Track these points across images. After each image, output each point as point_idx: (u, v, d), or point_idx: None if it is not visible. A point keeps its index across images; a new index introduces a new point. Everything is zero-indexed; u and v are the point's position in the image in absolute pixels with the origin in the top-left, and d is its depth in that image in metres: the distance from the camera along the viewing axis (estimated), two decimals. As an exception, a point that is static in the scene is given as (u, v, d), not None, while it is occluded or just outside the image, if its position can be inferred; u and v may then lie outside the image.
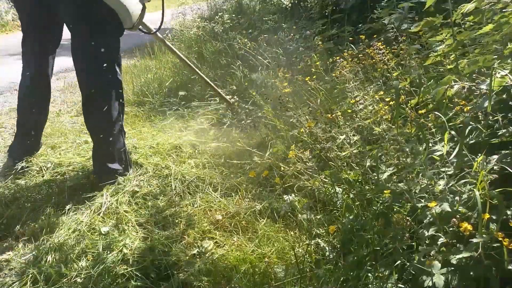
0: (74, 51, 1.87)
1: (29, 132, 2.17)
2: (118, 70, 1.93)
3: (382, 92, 1.98)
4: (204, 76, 2.71)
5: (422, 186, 1.26)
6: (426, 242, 1.15)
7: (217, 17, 4.70)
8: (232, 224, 1.72)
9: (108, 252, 1.53)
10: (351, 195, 1.60)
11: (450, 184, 1.20)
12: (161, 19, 2.28)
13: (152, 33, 2.29)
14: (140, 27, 2.13)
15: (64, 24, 1.99)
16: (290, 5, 4.19)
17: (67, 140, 2.49)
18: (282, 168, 1.89)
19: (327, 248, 1.49)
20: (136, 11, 1.94)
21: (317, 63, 2.67)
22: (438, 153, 1.34)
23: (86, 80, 1.89)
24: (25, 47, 2.09)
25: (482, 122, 1.33)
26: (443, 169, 1.29)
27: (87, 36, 1.83)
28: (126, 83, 3.82)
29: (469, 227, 1.00)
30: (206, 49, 4.03)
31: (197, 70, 2.70)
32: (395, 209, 1.37)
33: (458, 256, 1.03)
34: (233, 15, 4.74)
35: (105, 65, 1.85)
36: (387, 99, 1.85)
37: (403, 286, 1.15)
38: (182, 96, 3.31)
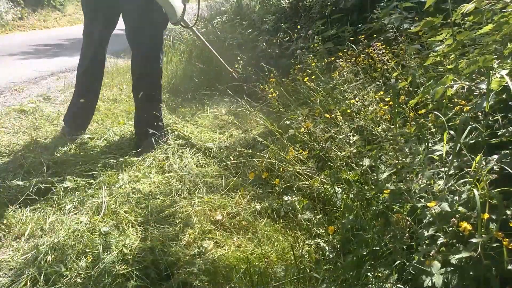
0: (131, 39, 2.39)
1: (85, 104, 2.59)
2: (161, 56, 2.48)
3: (381, 92, 1.98)
4: (218, 56, 3.36)
5: (422, 186, 1.26)
6: (426, 242, 1.15)
7: (217, 18, 4.71)
8: (232, 224, 1.73)
9: (108, 252, 1.53)
10: (351, 195, 1.60)
11: (450, 184, 1.20)
12: (196, 16, 2.88)
13: (189, 27, 2.83)
14: (182, 23, 2.62)
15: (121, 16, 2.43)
16: (289, 5, 4.19)
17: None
18: (281, 169, 1.89)
19: (327, 248, 1.49)
20: (179, 9, 2.43)
21: (313, 64, 2.67)
22: (437, 153, 1.34)
23: (140, 62, 2.43)
24: (87, 35, 2.49)
25: (482, 122, 1.33)
26: (442, 169, 1.29)
27: (142, 27, 2.34)
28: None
29: (469, 226, 1.00)
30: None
31: (216, 54, 3.33)
32: (394, 209, 1.37)
33: (457, 256, 1.03)
34: (233, 16, 4.75)
35: (153, 51, 2.40)
36: (387, 99, 1.85)
37: (402, 286, 1.15)
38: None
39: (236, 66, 3.50)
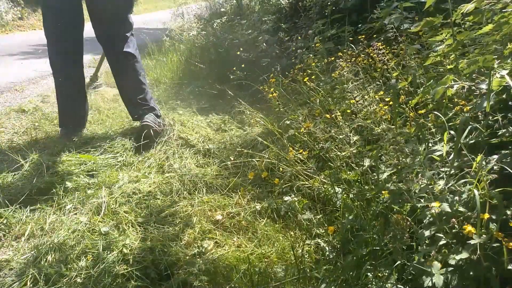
0: (96, 26, 2.45)
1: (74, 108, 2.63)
2: (131, 39, 2.56)
3: (381, 92, 1.98)
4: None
5: (422, 186, 1.26)
6: (426, 242, 1.15)
7: (217, 21, 4.72)
8: (232, 224, 1.73)
9: (108, 252, 1.53)
10: (351, 195, 1.60)
11: (450, 184, 1.20)
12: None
13: None
14: None
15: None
16: (288, 5, 4.20)
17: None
18: (281, 169, 1.89)
19: (327, 248, 1.49)
20: None
21: (313, 64, 2.67)
22: (437, 153, 1.34)
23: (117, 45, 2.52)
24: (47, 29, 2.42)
25: (482, 122, 1.33)
26: (442, 169, 1.29)
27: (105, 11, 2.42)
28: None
29: (473, 230, 0.99)
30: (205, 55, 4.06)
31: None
32: (394, 209, 1.37)
33: (457, 256, 1.03)
34: (232, 16, 4.75)
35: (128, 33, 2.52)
36: (387, 99, 1.85)
37: (402, 286, 1.15)
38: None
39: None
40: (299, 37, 3.45)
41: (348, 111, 2.05)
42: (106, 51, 2.62)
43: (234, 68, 3.46)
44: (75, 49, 2.46)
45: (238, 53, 3.66)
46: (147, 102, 2.66)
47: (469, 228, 0.99)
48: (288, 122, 2.28)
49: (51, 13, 2.36)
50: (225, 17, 4.86)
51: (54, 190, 1.95)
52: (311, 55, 2.87)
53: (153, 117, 2.59)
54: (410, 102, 1.77)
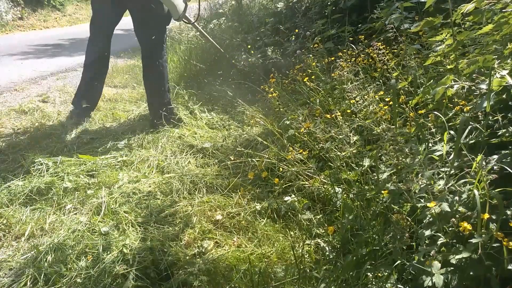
0: (138, 33, 2.75)
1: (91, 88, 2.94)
2: (165, 47, 2.83)
3: (381, 92, 1.98)
4: (221, 48, 3.69)
5: (422, 186, 1.26)
6: (426, 242, 1.15)
7: (215, 21, 4.72)
8: (232, 224, 1.72)
9: (108, 252, 1.53)
10: (351, 195, 1.60)
11: (450, 184, 1.20)
12: (197, 13, 3.28)
13: (191, 23, 3.19)
14: (184, 19, 2.95)
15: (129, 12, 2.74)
16: (284, 7, 4.20)
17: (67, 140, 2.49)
18: (281, 169, 1.89)
19: (327, 248, 1.49)
20: (181, 6, 2.77)
21: (313, 64, 2.67)
22: (437, 153, 1.34)
23: (145, 53, 2.81)
24: (93, 29, 2.80)
25: (482, 122, 1.33)
26: (442, 169, 1.29)
27: (147, 23, 2.70)
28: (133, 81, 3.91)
29: (469, 226, 1.00)
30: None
31: (218, 46, 3.64)
32: (394, 209, 1.37)
33: (457, 256, 1.03)
34: (230, 17, 4.75)
35: (158, 43, 2.76)
36: (387, 99, 1.85)
37: (402, 286, 1.15)
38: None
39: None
40: (299, 37, 3.45)
41: (348, 111, 2.05)
42: (144, 56, 2.86)
43: (234, 69, 3.46)
44: (104, 44, 2.83)
45: (238, 53, 3.66)
46: (166, 106, 2.86)
47: (464, 224, 0.99)
48: (288, 122, 2.28)
49: (99, 14, 2.77)
50: (223, 17, 4.85)
51: (54, 190, 1.95)
52: (311, 55, 2.88)
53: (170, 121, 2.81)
54: (410, 102, 1.77)
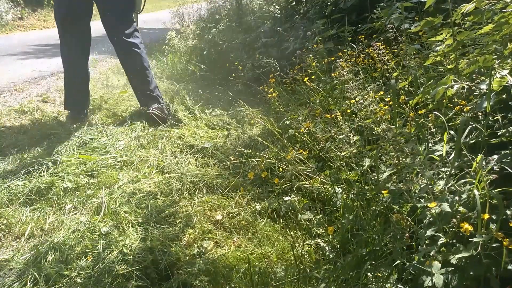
0: (104, 20, 2.73)
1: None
2: (135, 26, 2.84)
3: (381, 92, 1.98)
4: None
5: (422, 186, 1.26)
6: (426, 242, 1.15)
7: (212, 24, 4.72)
8: (232, 224, 1.73)
9: (108, 252, 1.53)
10: (351, 195, 1.60)
11: (450, 184, 1.20)
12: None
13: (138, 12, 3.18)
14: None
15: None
16: (279, 11, 4.21)
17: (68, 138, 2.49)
18: (281, 169, 1.89)
19: (327, 248, 1.49)
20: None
21: (313, 64, 2.67)
22: (437, 153, 1.34)
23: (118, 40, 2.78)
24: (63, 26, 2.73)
25: (482, 122, 1.33)
26: (442, 169, 1.29)
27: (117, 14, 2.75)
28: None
29: (470, 227, 0.99)
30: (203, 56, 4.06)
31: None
32: (394, 209, 1.37)
33: (458, 256, 1.03)
34: (228, 17, 4.75)
35: (124, 21, 2.77)
36: (387, 99, 1.85)
37: (402, 286, 1.15)
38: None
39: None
40: (299, 37, 3.45)
41: (348, 111, 2.05)
42: (114, 43, 2.84)
43: (234, 69, 3.46)
44: (81, 39, 2.79)
45: (238, 53, 3.66)
46: (151, 92, 2.91)
47: (466, 225, 0.99)
48: (288, 122, 2.28)
49: (62, 5, 2.68)
50: (222, 19, 4.85)
51: (54, 190, 1.95)
52: (310, 55, 2.88)
53: (156, 105, 2.86)
54: (410, 102, 1.77)
